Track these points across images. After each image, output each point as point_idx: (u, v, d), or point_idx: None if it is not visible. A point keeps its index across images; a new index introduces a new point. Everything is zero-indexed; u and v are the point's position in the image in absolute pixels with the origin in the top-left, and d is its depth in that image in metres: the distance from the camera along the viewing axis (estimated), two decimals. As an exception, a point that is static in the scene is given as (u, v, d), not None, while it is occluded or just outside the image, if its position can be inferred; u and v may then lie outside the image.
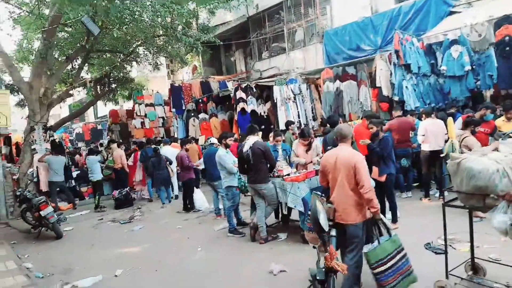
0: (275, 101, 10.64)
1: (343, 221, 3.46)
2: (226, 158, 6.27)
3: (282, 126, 10.26)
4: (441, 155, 6.30)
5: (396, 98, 8.62)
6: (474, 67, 7.94)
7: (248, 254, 5.31)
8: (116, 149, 11.07)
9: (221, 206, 7.46)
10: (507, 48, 7.50)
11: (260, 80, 12.92)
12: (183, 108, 13.54)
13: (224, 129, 12.29)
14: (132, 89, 16.10)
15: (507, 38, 7.47)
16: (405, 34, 8.80)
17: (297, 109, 10.74)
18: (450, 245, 4.43)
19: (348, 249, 3.45)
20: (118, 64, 14.15)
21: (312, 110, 11.13)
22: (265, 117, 11.86)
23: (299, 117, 10.62)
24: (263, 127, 10.62)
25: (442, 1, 10.06)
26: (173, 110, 13.77)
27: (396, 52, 8.48)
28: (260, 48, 15.28)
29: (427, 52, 8.89)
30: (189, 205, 8.56)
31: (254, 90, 11.77)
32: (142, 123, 15.25)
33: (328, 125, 6.67)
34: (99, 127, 21.73)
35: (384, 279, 3.30)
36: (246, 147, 5.61)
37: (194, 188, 8.68)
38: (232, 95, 11.81)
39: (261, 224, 5.68)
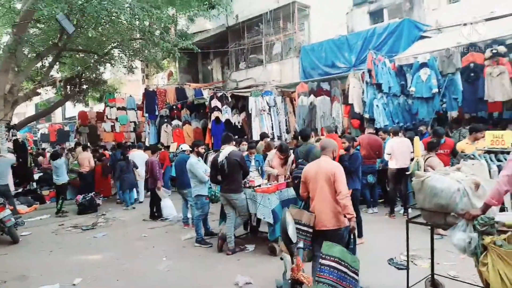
0: (250, 111, 10.70)
1: (323, 227, 3.71)
2: (198, 166, 6.19)
3: (256, 137, 10.30)
4: (407, 173, 6.51)
5: (367, 116, 8.87)
6: (441, 90, 8.31)
7: (214, 265, 5.23)
8: (82, 152, 10.73)
9: (190, 215, 7.33)
10: (472, 74, 7.90)
11: (236, 90, 12.97)
12: (156, 113, 13.34)
13: (197, 137, 12.18)
14: (104, 91, 15.72)
15: (472, 64, 7.88)
16: (378, 55, 9.12)
17: (271, 121, 10.85)
18: (412, 261, 4.55)
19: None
20: (91, 64, 13.79)
21: (286, 123, 11.27)
22: (239, 127, 11.88)
23: (272, 129, 10.71)
24: (236, 137, 10.61)
25: (414, 25, 10.53)
26: (146, 115, 13.52)
27: (369, 71, 8.76)
28: (237, 58, 15.37)
29: (398, 73, 9.22)
30: (156, 213, 8.36)
31: (230, 99, 11.79)
32: (113, 127, 14.88)
33: (300, 138, 6.75)
34: (66, 128, 21.01)
35: (321, 272, 3.28)
36: (221, 157, 5.57)
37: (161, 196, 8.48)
38: (207, 103, 11.76)
39: (229, 235, 5.62)
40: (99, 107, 18.20)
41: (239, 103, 12.38)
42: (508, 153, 5.12)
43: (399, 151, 7.04)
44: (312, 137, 7.91)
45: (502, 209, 3.65)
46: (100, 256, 6.00)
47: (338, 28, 13.18)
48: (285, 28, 13.59)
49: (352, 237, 3.69)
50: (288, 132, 11.23)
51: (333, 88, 10.33)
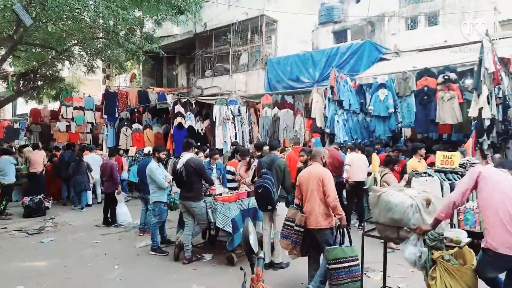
0: (214, 119, 10.65)
1: (313, 227, 4.10)
2: (158, 172, 6.04)
3: (218, 145, 10.26)
4: (364, 187, 6.76)
5: (327, 130, 9.13)
6: (397, 110, 8.77)
7: (169, 274, 5.08)
8: (32, 152, 10.12)
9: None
10: (425, 97, 8.41)
11: (201, 97, 12.89)
12: (116, 115, 12.90)
13: (158, 142, 11.93)
14: (60, 89, 14.94)
15: (425, 88, 8.40)
16: (341, 73, 9.47)
17: (235, 130, 10.87)
18: (365, 273, 4.69)
19: (322, 253, 4.04)
20: (49, 60, 13.10)
21: (249, 133, 11.33)
22: (202, 134, 11.78)
23: (236, 138, 10.73)
24: (198, 144, 10.52)
25: (374, 47, 11.08)
26: (105, 116, 13.03)
27: (331, 88, 9.05)
28: (204, 66, 15.31)
29: (358, 91, 9.62)
30: (110, 219, 8.01)
31: (194, 106, 11.70)
32: (68, 127, 14.15)
33: (268, 148, 6.79)
34: (16, 125, 19.67)
35: (336, 276, 3.78)
36: (179, 164, 5.47)
37: (117, 201, 8.15)
38: (170, 108, 11.57)
39: (187, 243, 5.50)
40: (54, 105, 17.27)
41: (203, 111, 12.32)
42: (456, 173, 5.49)
43: (357, 166, 7.29)
44: (278, 150, 8.00)
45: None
46: (45, 263, 5.63)
47: (304, 44, 13.58)
48: (252, 39, 13.77)
49: (346, 232, 4.01)
50: (251, 142, 11.29)
51: (297, 101, 10.58)
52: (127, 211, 8.07)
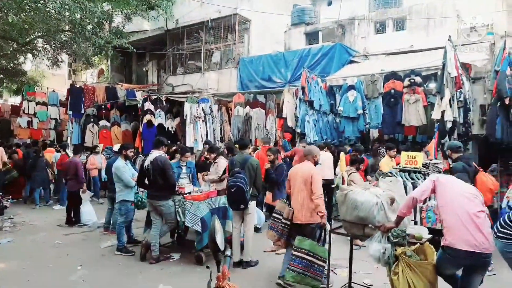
0: (185, 117, 10.49)
1: (299, 221, 4.30)
2: (124, 170, 5.88)
3: (189, 143, 10.12)
4: (332, 186, 6.88)
5: (298, 130, 9.23)
6: (365, 111, 8.98)
7: (135, 275, 4.95)
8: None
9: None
10: (392, 100, 8.67)
11: (172, 95, 12.66)
12: (82, 112, 12.42)
13: (126, 140, 11.59)
14: (22, 83, 14.26)
15: (392, 91, 8.65)
16: (312, 74, 9.59)
17: (206, 128, 10.76)
18: (332, 270, 4.77)
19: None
20: (9, 53, 12.45)
21: (220, 132, 11.25)
22: (172, 132, 11.58)
23: (207, 137, 10.62)
24: (169, 142, 10.35)
25: (345, 50, 11.31)
26: (70, 112, 12.50)
27: (303, 88, 9.15)
28: (175, 63, 15.06)
29: (329, 92, 9.77)
30: (73, 218, 7.71)
31: (164, 103, 11.47)
32: (29, 123, 13.50)
33: (237, 146, 6.74)
34: (-28, 120, 18.56)
35: (296, 262, 4.01)
36: (147, 162, 5.35)
37: (82, 199, 7.86)
38: (139, 105, 11.30)
39: (154, 243, 5.39)
40: (16, 100, 16.43)
41: (174, 108, 12.11)
42: (419, 172, 5.69)
43: (326, 165, 7.41)
44: (249, 148, 7.99)
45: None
46: (2, 265, 5.33)
47: (276, 45, 13.66)
48: (225, 38, 13.69)
49: (323, 231, 4.18)
50: (222, 140, 11.22)
51: (269, 101, 10.62)
52: (92, 210, 7.80)
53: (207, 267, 2.25)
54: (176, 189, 5.67)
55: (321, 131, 9.59)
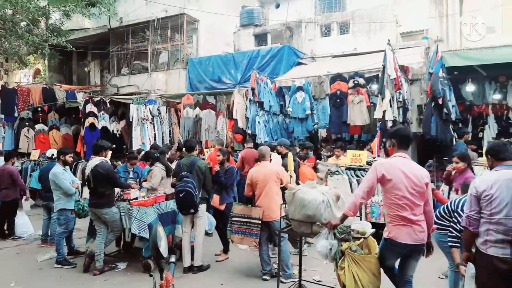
0: (131, 120, 10.08)
1: (269, 219, 4.64)
2: (63, 177, 5.48)
3: (136, 147, 9.73)
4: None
5: (249, 131, 9.23)
6: (313, 112, 9.21)
7: (77, 287, 4.63)
8: None
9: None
10: (338, 100, 8.97)
11: (117, 96, 12.12)
12: (16, 115, 11.45)
13: (66, 144, 10.88)
14: None
15: (338, 92, 8.96)
16: (261, 75, 9.64)
17: (154, 131, 10.42)
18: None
19: (279, 242, 4.34)
20: None
21: (169, 134, 10.97)
22: (117, 135, 11.08)
23: (155, 139, 10.29)
24: (114, 146, 9.89)
25: (293, 52, 11.53)
26: (2, 116, 11.47)
27: (252, 89, 9.16)
28: (119, 63, 14.41)
29: (278, 93, 9.88)
30: (7, 231, 7.05)
31: (108, 105, 10.94)
32: (-46, 127, 12.21)
33: (184, 149, 6.56)
34: None
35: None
36: (87, 168, 5.04)
37: (17, 210, 7.22)
38: (81, 107, 10.66)
39: (98, 252, 5.09)
40: None
41: (119, 110, 11.61)
42: (364, 170, 5.95)
43: (275, 164, 7.47)
44: (196, 150, 7.83)
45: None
46: None
47: (226, 46, 13.60)
48: (173, 38, 13.36)
49: None
50: (172, 143, 10.93)
51: (219, 102, 10.54)
52: (28, 221, 7.21)
53: (151, 275, 2.14)
54: (121, 194, 5.42)
55: (272, 132, 9.68)
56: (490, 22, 8.59)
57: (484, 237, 2.74)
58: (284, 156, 6.16)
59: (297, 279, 4.06)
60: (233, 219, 4.91)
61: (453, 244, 3.41)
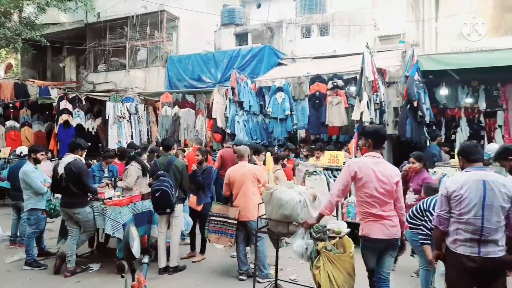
0: (107, 117, 9.86)
1: (246, 218, 4.64)
2: (34, 175, 5.29)
3: (112, 145, 9.53)
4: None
5: (228, 131, 9.20)
6: (293, 112, 9.25)
7: (47, 290, 4.49)
8: None
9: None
10: (317, 101, 9.05)
11: (93, 93, 11.82)
12: (-15, 111, 11.03)
13: (38, 142, 10.55)
14: None
15: (317, 93, 9.04)
16: (241, 74, 9.62)
17: (132, 129, 10.23)
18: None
19: (256, 241, 4.28)
20: None
21: (147, 132, 10.79)
22: (93, 133, 10.82)
23: (132, 138, 10.11)
24: (89, 144, 9.65)
25: (273, 52, 11.57)
26: (-30, 112, 11.04)
27: (232, 89, 9.13)
28: (96, 59, 14.07)
29: (258, 93, 9.88)
30: (-27, 232, 6.76)
31: (84, 102, 10.66)
32: None
33: (161, 148, 6.45)
34: None
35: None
36: (60, 166, 4.88)
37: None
38: (55, 104, 10.35)
39: (70, 254, 4.93)
40: None
41: (95, 108, 11.33)
42: (341, 170, 6.01)
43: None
44: (174, 149, 7.73)
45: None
46: None
47: (206, 44, 13.52)
48: (152, 35, 13.15)
49: None
50: (149, 142, 10.76)
51: (198, 101, 10.45)
52: (-4, 222, 6.92)
53: (122, 276, 2.09)
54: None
55: (251, 132, 9.67)
56: (464, 28, 8.88)
57: (454, 236, 2.81)
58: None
59: (274, 279, 4.06)
60: (211, 218, 4.89)
61: (424, 242, 3.50)
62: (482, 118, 9.77)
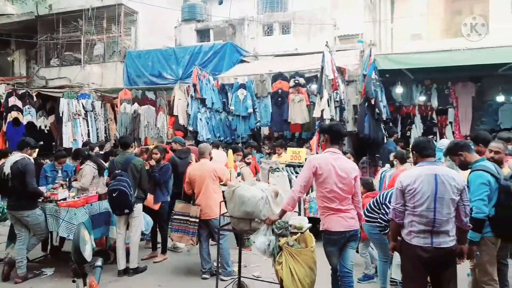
0: (61, 115, 9.37)
1: (208, 217, 4.60)
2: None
3: (66, 144, 9.08)
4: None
5: (190, 128, 9.06)
6: (255, 110, 9.27)
7: (-6, 299, 4.19)
8: None
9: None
10: (279, 99, 9.13)
11: (45, 89, 11.19)
12: None
13: (-15, 141, 9.83)
14: None
15: (280, 90, 9.11)
16: (203, 71, 9.50)
17: (88, 127, 9.80)
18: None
19: (218, 239, 4.23)
20: None
21: (105, 130, 10.38)
22: (46, 131, 10.25)
23: (89, 136, 9.68)
24: (41, 143, 9.13)
25: (235, 49, 11.52)
26: None
27: (194, 85, 9.00)
28: (49, 53, 13.30)
29: (221, 91, 9.79)
30: None
31: (35, 99, 10.05)
32: None
33: (119, 146, 6.20)
34: None
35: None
36: (6, 165, 4.56)
37: None
38: (3, 100, 9.68)
39: (20, 259, 4.64)
40: None
41: (48, 104, 10.72)
42: (303, 166, 6.10)
43: (219, 162, 7.40)
44: (133, 147, 7.48)
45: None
46: None
47: (167, 40, 13.21)
48: (109, 29, 12.63)
49: None
50: (107, 140, 10.36)
51: (159, 98, 10.20)
52: None
53: (73, 281, 1.98)
54: (48, 195, 4.99)
55: (214, 129, 9.58)
56: (417, 29, 9.31)
57: (409, 228, 2.93)
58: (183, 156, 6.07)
59: (237, 276, 4.04)
60: (174, 217, 4.85)
61: (384, 232, 3.64)
62: (434, 115, 10.34)
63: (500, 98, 9.39)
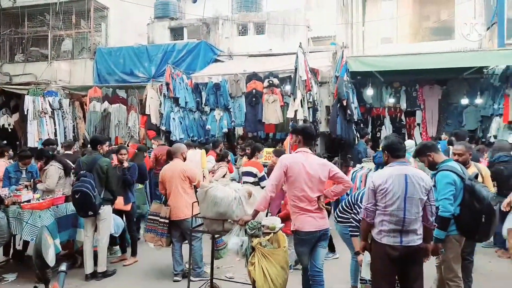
0: (26, 113, 8.97)
1: (177, 217, 4.52)
2: None
3: (31, 143, 8.70)
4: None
5: (163, 128, 8.91)
6: (230, 109, 9.22)
7: (-51, 309, 3.94)
8: None
9: None
10: (254, 99, 9.12)
11: (8, 86, 10.66)
12: None
13: None
14: None
15: (254, 90, 9.11)
16: (177, 70, 9.37)
17: (55, 125, 9.42)
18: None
19: (190, 241, 4.15)
20: None
21: (73, 129, 10.02)
22: (9, 130, 9.78)
23: (56, 135, 9.31)
24: (5, 142, 8.70)
25: (209, 48, 11.42)
26: None
27: (167, 84, 8.86)
28: (13, 48, 12.68)
29: (194, 90, 9.70)
30: None
31: (-2, 96, 9.58)
32: None
33: (89, 145, 5.97)
34: None
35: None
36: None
37: None
38: (-38, 97, 9.17)
39: (-22, 265, 4.39)
40: None
41: (12, 102, 10.24)
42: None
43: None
44: (106, 145, 7.26)
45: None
46: None
47: (139, 37, 12.92)
48: (78, 24, 12.19)
49: None
50: (75, 139, 10.00)
51: (130, 96, 9.99)
52: None
53: (35, 287, 1.89)
54: (11, 196, 4.76)
55: (187, 129, 9.46)
56: (387, 33, 9.57)
57: (379, 227, 2.99)
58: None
59: (209, 278, 3.99)
60: (148, 217, 4.86)
61: (353, 234, 3.69)
62: (403, 117, 10.67)
63: (465, 101, 9.81)
